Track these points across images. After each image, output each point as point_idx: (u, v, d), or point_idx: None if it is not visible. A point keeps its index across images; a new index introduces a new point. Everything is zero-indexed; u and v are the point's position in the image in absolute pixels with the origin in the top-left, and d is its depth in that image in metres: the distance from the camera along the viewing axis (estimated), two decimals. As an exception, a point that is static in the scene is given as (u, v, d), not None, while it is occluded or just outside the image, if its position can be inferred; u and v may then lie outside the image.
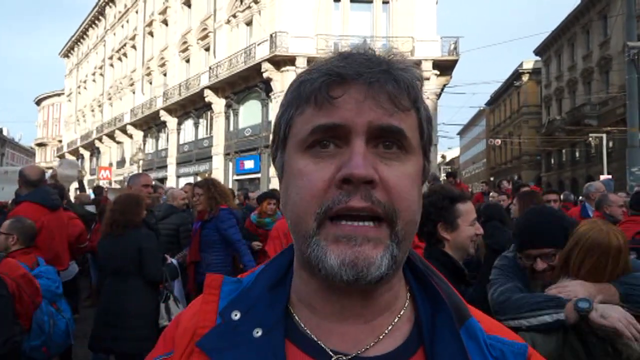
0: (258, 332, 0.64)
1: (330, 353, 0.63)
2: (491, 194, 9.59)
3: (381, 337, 0.65)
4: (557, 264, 2.05)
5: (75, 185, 7.67)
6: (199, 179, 16.89)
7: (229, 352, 0.62)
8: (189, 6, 30.48)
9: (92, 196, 9.17)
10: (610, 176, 19.39)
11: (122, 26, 40.93)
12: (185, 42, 30.51)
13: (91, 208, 6.93)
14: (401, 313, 0.68)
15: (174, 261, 4.53)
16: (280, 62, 21.30)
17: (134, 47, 38.36)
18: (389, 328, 0.66)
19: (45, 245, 4.18)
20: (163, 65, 33.31)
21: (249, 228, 6.06)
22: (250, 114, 24.57)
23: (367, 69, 0.62)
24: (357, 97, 0.62)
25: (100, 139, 42.21)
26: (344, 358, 0.63)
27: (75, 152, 47.54)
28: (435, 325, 0.66)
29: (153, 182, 6.64)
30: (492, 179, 38.22)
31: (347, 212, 0.60)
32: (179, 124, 31.19)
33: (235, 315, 0.66)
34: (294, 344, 0.64)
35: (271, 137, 0.73)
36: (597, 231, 1.98)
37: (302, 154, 0.64)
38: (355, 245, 0.59)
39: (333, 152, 0.62)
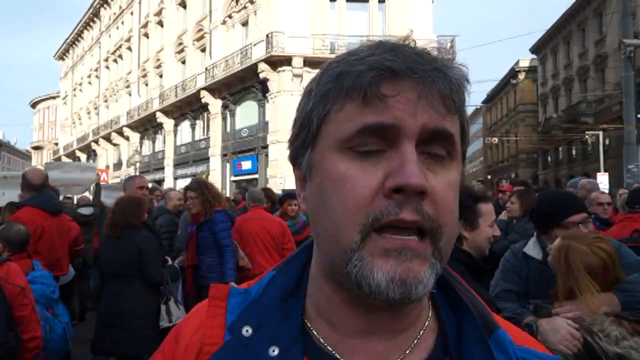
0: (274, 351, 0.58)
1: None
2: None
3: (407, 352, 0.61)
4: (559, 294, 2.03)
5: (91, 188, 7.50)
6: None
7: None
8: (184, 7, 30.44)
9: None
10: (606, 174, 19.44)
11: (117, 28, 40.86)
12: (180, 43, 30.46)
13: (86, 210, 6.87)
14: (426, 324, 0.64)
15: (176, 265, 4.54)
16: (276, 62, 21.28)
17: (129, 48, 38.29)
18: (414, 342, 0.62)
19: (46, 250, 4.17)
20: (159, 66, 33.25)
21: None
22: (247, 114, 24.55)
23: (420, 65, 0.55)
24: (411, 95, 0.55)
25: (96, 142, 42.12)
26: None
27: (71, 155, 47.40)
28: (462, 335, 0.62)
29: (150, 185, 6.63)
30: (489, 177, 38.28)
31: (397, 224, 0.54)
32: (176, 125, 31.14)
33: (247, 331, 0.60)
34: None
35: (293, 130, 0.65)
36: (579, 253, 1.97)
37: (342, 154, 0.57)
38: (406, 261, 0.54)
39: (379, 155, 0.56)
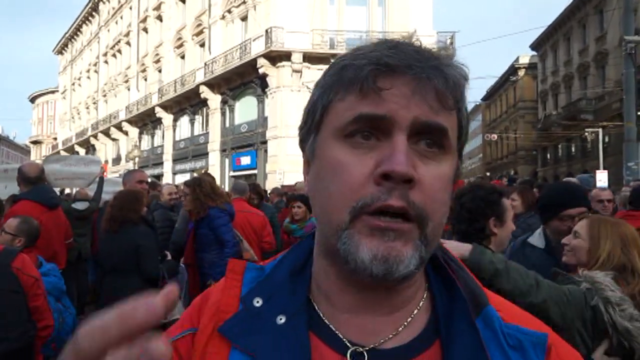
0: (282, 319, 0.63)
1: (348, 344, 0.63)
2: None
3: (400, 329, 0.64)
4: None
5: (93, 185, 7.38)
6: (195, 175, 16.86)
7: (253, 338, 0.62)
8: (184, 2, 30.33)
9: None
10: (606, 171, 19.43)
11: (116, 22, 40.72)
12: (180, 38, 30.37)
13: (81, 205, 6.81)
14: (420, 304, 0.67)
15: (182, 265, 4.51)
16: (275, 57, 21.22)
17: (128, 43, 38.18)
18: (408, 320, 0.65)
19: (44, 244, 4.15)
20: (158, 61, 33.16)
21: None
22: (246, 110, 24.51)
23: (417, 62, 0.60)
24: (405, 90, 0.59)
25: (95, 136, 42.07)
26: (361, 349, 0.62)
27: (70, 150, 47.35)
28: (452, 314, 0.65)
29: (149, 179, 6.60)
30: (488, 174, 38.29)
31: (384, 209, 0.58)
32: (175, 120, 31.09)
33: (257, 302, 0.65)
34: (313, 333, 0.64)
35: (302, 117, 0.70)
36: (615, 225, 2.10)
37: (340, 141, 0.62)
38: (389, 240, 0.58)
39: (373, 144, 0.60)
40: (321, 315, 0.66)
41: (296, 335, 0.62)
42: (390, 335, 0.64)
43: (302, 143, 0.70)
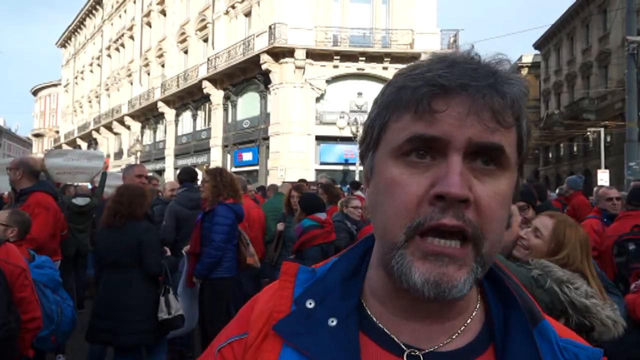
0: (333, 322, 0.65)
1: (403, 347, 0.65)
2: None
3: (454, 336, 0.66)
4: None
5: (97, 178, 7.36)
6: (197, 170, 16.85)
7: (306, 337, 0.65)
8: (187, -3, 30.30)
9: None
10: (607, 171, 19.42)
11: (120, 16, 40.68)
12: (183, 33, 30.34)
13: (81, 200, 6.84)
14: (473, 314, 0.69)
15: (185, 254, 4.53)
16: (279, 53, 21.20)
17: (131, 37, 38.16)
18: (462, 329, 0.67)
19: (52, 234, 4.36)
20: (161, 56, 33.14)
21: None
22: (248, 105, 24.51)
23: (473, 80, 0.59)
24: (460, 110, 0.59)
25: (97, 130, 42.09)
26: (417, 352, 0.64)
27: (72, 143, 47.39)
28: (508, 325, 0.66)
29: (149, 173, 6.62)
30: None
31: (438, 228, 0.59)
32: (177, 115, 31.09)
33: (310, 303, 0.68)
34: (366, 335, 0.66)
35: (361, 134, 0.73)
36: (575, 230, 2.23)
37: (396, 161, 0.63)
38: (442, 266, 0.59)
39: (428, 163, 0.61)
40: (373, 318, 0.67)
41: (347, 336, 0.64)
42: (445, 342, 0.65)
43: (362, 158, 0.72)
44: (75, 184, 8.58)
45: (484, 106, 0.59)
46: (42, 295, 3.09)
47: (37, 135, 71.01)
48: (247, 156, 24.17)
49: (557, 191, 9.92)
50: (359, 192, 8.01)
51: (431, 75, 0.60)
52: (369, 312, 0.68)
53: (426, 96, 0.60)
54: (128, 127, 36.93)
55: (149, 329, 3.71)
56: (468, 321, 0.68)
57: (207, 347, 0.75)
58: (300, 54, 20.70)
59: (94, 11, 46.73)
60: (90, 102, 47.26)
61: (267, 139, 22.25)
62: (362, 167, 0.74)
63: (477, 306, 0.70)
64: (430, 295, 0.59)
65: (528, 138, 0.66)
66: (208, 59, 26.10)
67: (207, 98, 26.70)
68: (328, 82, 21.28)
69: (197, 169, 6.70)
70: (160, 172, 29.13)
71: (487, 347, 0.66)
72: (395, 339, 0.65)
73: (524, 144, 0.65)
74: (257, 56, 21.58)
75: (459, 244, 0.59)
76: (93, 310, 3.83)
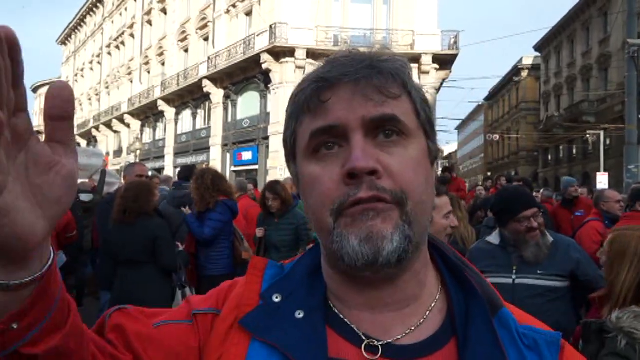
0: (300, 314, 0.67)
1: (363, 337, 0.66)
2: (478, 189, 9.62)
3: (413, 328, 0.67)
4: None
5: (97, 176, 7.34)
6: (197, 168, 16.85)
7: (272, 330, 0.66)
8: (188, -5, 30.28)
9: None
10: (606, 174, 19.45)
11: (121, 14, 40.63)
12: (184, 32, 30.32)
13: (85, 197, 6.84)
14: (432, 305, 0.70)
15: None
16: (279, 53, 21.19)
17: (132, 35, 38.12)
18: (421, 320, 0.68)
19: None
20: (161, 54, 33.12)
21: None
22: (248, 105, 24.49)
23: (351, 68, 0.65)
24: (346, 96, 0.65)
25: (97, 128, 42.06)
26: (376, 343, 0.65)
27: (72, 141, 47.28)
28: (469, 315, 0.68)
29: (150, 173, 6.63)
30: (489, 173, 38.27)
31: (357, 203, 0.62)
32: (177, 114, 31.07)
33: (277, 297, 0.69)
34: (331, 328, 0.67)
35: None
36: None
37: (309, 160, 0.68)
38: (369, 220, 0.62)
39: (337, 152, 0.66)
40: (337, 312, 0.69)
41: (314, 328, 0.66)
42: (404, 333, 0.67)
43: (288, 168, 0.77)
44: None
45: (366, 85, 0.64)
46: None
47: (37, 133, 70.87)
48: (247, 155, 24.15)
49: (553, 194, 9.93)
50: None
51: (315, 74, 0.68)
52: (332, 305, 0.70)
53: (314, 92, 0.66)
54: (128, 125, 36.90)
55: None
56: (427, 312, 0.69)
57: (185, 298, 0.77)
58: (300, 53, 20.70)
59: (94, 9, 46.68)
60: (90, 100, 47.23)
61: (266, 138, 22.24)
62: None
63: (437, 297, 0.71)
64: (369, 255, 0.62)
65: (425, 104, 0.71)
66: (208, 58, 26.08)
67: (207, 97, 26.69)
68: (328, 82, 21.22)
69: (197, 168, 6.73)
70: (160, 170, 29.06)
71: (449, 339, 0.67)
72: (356, 330, 0.67)
73: (420, 109, 0.69)
74: (258, 55, 21.57)
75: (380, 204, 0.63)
76: (110, 307, 3.86)
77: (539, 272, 2.69)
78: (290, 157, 0.74)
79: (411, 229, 0.64)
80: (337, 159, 0.65)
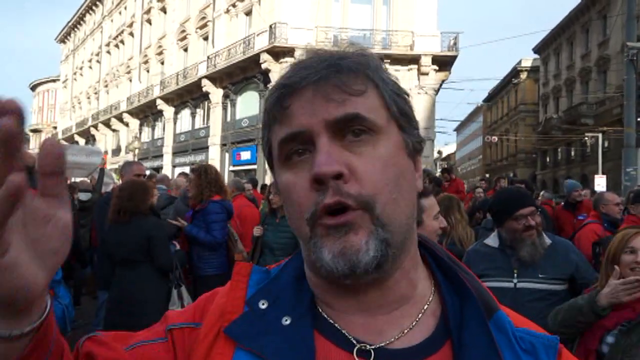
0: (287, 321, 0.65)
1: (354, 342, 0.64)
2: (477, 190, 9.61)
3: (405, 331, 0.65)
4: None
5: (96, 174, 7.33)
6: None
7: (259, 339, 0.64)
8: (188, -6, 30.25)
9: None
10: (604, 176, 19.48)
11: (120, 13, 40.58)
12: (183, 31, 30.29)
13: (84, 196, 6.83)
14: (425, 307, 0.68)
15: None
16: (279, 53, 21.18)
17: (131, 34, 38.07)
18: (414, 323, 0.66)
19: None
20: (161, 53, 33.07)
21: None
22: (247, 105, 24.46)
23: (311, 69, 0.64)
24: (306, 99, 0.63)
25: (95, 127, 41.97)
26: (368, 347, 0.64)
27: (70, 139, 47.26)
28: (464, 318, 0.66)
29: (148, 172, 6.62)
30: (487, 175, 38.31)
31: (326, 211, 0.61)
32: (176, 113, 31.03)
33: (263, 304, 0.67)
34: (320, 333, 0.65)
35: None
36: None
37: (284, 168, 0.67)
38: (341, 237, 0.61)
39: (307, 158, 0.64)
40: (326, 316, 0.67)
41: (301, 334, 0.63)
42: (397, 336, 0.65)
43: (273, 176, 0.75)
44: (75, 179, 8.57)
45: (326, 85, 0.63)
46: (57, 289, 3.10)
47: (35, 131, 70.77)
48: (246, 155, 24.13)
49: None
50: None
51: (280, 81, 0.66)
52: (321, 310, 0.68)
53: (277, 99, 0.65)
54: (126, 124, 36.85)
55: None
56: (420, 315, 0.67)
57: (162, 318, 0.74)
58: (300, 53, 20.56)
59: (94, 7, 46.60)
60: (88, 98, 47.13)
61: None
62: None
63: (430, 299, 0.69)
64: (345, 269, 0.60)
65: (397, 95, 0.68)
66: (208, 57, 26.05)
67: (206, 96, 26.66)
68: (327, 82, 21.23)
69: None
70: (158, 169, 29.02)
71: (444, 343, 0.65)
72: (347, 335, 0.65)
73: (390, 101, 0.66)
74: (257, 55, 21.56)
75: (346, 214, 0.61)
76: (108, 307, 3.92)
77: (540, 275, 2.67)
78: (270, 166, 0.72)
79: (386, 230, 0.62)
80: (307, 165, 0.63)
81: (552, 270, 2.68)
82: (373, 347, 0.63)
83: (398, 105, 0.67)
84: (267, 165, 0.76)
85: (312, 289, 0.70)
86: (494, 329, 0.65)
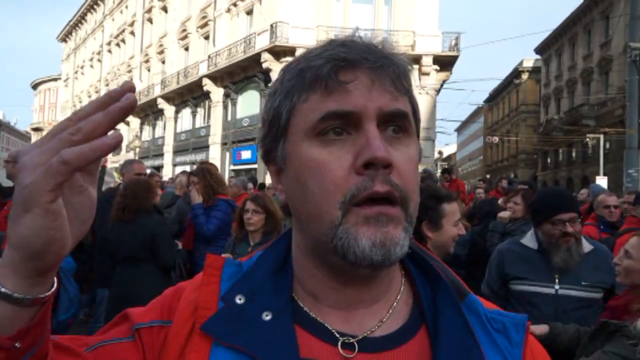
0: (268, 316, 0.64)
1: (337, 335, 0.65)
2: (477, 191, 9.57)
3: (384, 320, 0.67)
4: None
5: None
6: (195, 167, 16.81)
7: (240, 336, 0.63)
8: (189, -7, 30.25)
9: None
10: (605, 177, 19.44)
11: (121, 12, 40.60)
12: (184, 30, 30.29)
13: None
14: (398, 297, 0.70)
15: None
16: (280, 52, 21.17)
17: (132, 33, 38.09)
18: (390, 312, 0.68)
19: None
20: (162, 52, 33.09)
21: None
22: (248, 104, 24.47)
23: (369, 54, 0.63)
24: (366, 82, 0.62)
25: (96, 125, 41.97)
26: (351, 339, 0.65)
27: (71, 138, 47.23)
28: (437, 303, 0.68)
29: (148, 171, 6.59)
30: (488, 176, 38.27)
31: (372, 197, 0.60)
32: (177, 112, 31.05)
33: (240, 299, 0.66)
34: (302, 328, 0.65)
35: (263, 129, 0.72)
36: None
37: (313, 141, 0.63)
38: (383, 226, 0.60)
39: (345, 138, 0.62)
40: (306, 309, 0.67)
41: (283, 329, 0.63)
42: (376, 326, 0.66)
43: (268, 155, 0.71)
44: None
45: (384, 75, 0.63)
46: (66, 281, 3.17)
47: (36, 129, 70.85)
48: (246, 154, 24.12)
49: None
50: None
51: (330, 53, 0.63)
52: (301, 305, 0.68)
53: (332, 70, 0.62)
54: (127, 123, 36.86)
55: None
56: (395, 304, 0.69)
57: (120, 313, 0.71)
58: (301, 53, 20.69)
59: (95, 6, 46.63)
60: (89, 97, 47.12)
61: (266, 137, 22.21)
62: (267, 165, 0.73)
63: (402, 288, 0.71)
64: (379, 259, 0.60)
65: (418, 108, 0.70)
66: (209, 57, 26.06)
67: (207, 95, 26.67)
68: (328, 82, 21.24)
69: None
70: (159, 168, 29.03)
71: (419, 327, 0.67)
72: (329, 328, 0.65)
73: (417, 112, 0.69)
74: (258, 54, 21.57)
75: (390, 206, 0.61)
76: (109, 306, 3.94)
77: (583, 283, 2.52)
78: (281, 135, 0.67)
79: (411, 230, 0.64)
80: (346, 146, 0.62)
81: (594, 277, 2.54)
82: (356, 339, 0.65)
83: (417, 115, 0.69)
84: (263, 131, 0.72)
85: (300, 277, 0.69)
86: (467, 311, 0.68)
